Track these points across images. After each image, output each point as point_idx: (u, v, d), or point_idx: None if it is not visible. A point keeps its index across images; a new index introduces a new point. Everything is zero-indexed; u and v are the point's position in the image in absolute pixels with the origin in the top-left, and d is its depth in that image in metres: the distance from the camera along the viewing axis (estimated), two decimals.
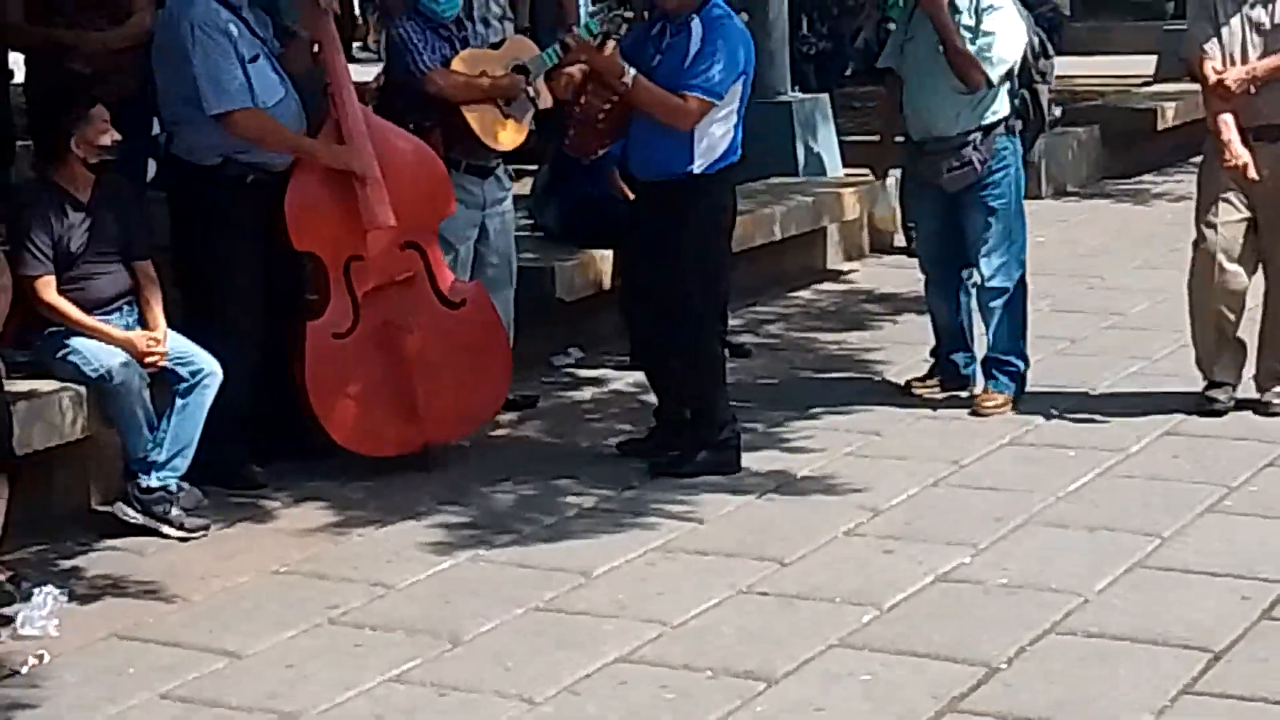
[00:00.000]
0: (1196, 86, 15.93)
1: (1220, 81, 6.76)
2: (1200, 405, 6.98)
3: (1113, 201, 12.36)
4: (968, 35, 6.97)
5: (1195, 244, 7.05)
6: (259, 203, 6.19)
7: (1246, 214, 6.89)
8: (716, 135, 6.39)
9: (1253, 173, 6.68)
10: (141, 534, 5.83)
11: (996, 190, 7.11)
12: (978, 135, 7.06)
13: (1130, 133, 13.38)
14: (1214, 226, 6.91)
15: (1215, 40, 6.83)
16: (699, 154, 6.37)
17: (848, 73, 14.06)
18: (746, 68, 6.42)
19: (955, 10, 7.00)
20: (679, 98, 6.30)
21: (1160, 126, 13.39)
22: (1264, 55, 6.76)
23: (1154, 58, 16.41)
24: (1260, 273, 7.01)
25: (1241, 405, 7.00)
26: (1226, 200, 6.87)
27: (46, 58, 6.95)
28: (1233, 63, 6.77)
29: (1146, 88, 15.37)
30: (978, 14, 6.98)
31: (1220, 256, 6.88)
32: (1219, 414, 6.93)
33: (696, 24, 6.36)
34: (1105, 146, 13.22)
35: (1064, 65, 19.86)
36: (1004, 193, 7.14)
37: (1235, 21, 6.81)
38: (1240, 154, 6.69)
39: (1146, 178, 13.01)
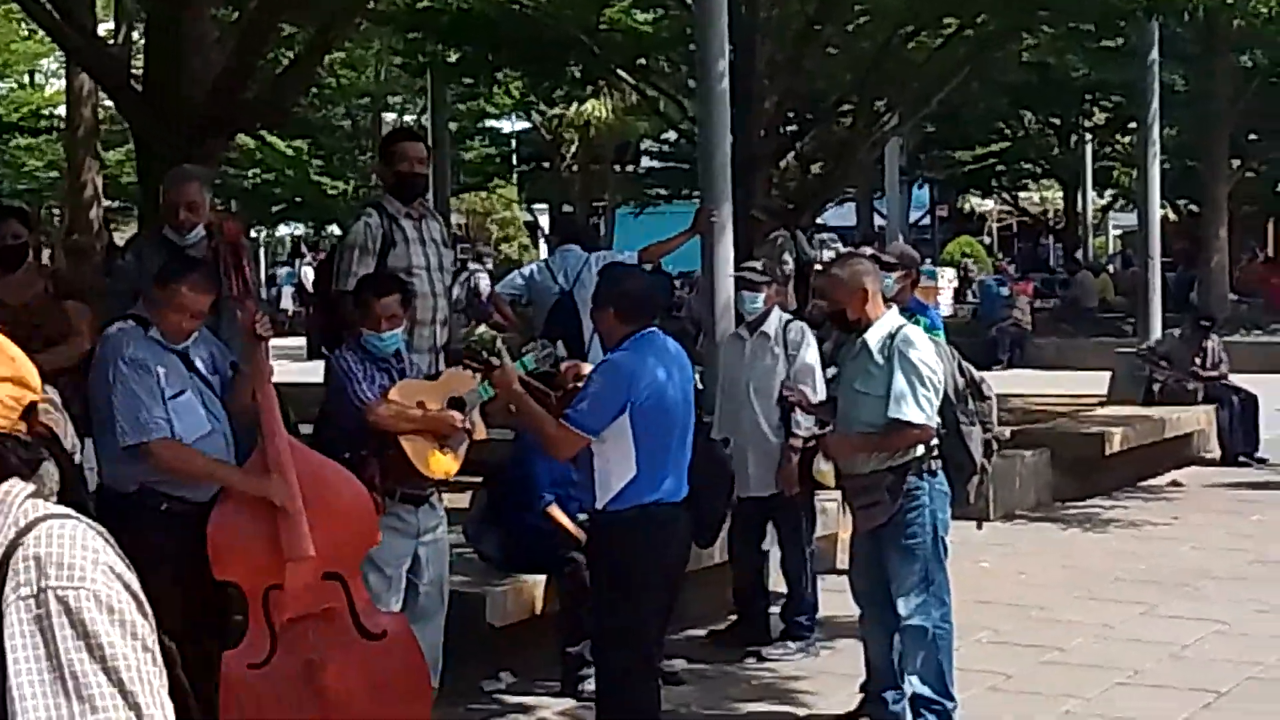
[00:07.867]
0: (1146, 411, 16.19)
1: None
2: None
3: (1061, 527, 12.37)
4: (875, 375, 6.89)
5: None
6: (176, 532, 6.14)
7: None
8: (612, 471, 6.32)
9: None
10: None
11: (909, 530, 6.95)
12: (887, 476, 6.93)
13: (1079, 458, 13.49)
14: None
15: None
16: (599, 488, 6.37)
17: None
18: (633, 398, 6.25)
19: (867, 352, 6.96)
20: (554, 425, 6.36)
21: (1108, 452, 13.51)
22: None
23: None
24: None
25: None
26: None
27: None
28: None
29: (1100, 408, 15.59)
30: (889, 358, 6.87)
31: None
32: None
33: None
34: (1055, 470, 13.31)
35: (1023, 380, 20.38)
36: (917, 533, 6.97)
37: None
38: None
39: (1096, 502, 13.07)
